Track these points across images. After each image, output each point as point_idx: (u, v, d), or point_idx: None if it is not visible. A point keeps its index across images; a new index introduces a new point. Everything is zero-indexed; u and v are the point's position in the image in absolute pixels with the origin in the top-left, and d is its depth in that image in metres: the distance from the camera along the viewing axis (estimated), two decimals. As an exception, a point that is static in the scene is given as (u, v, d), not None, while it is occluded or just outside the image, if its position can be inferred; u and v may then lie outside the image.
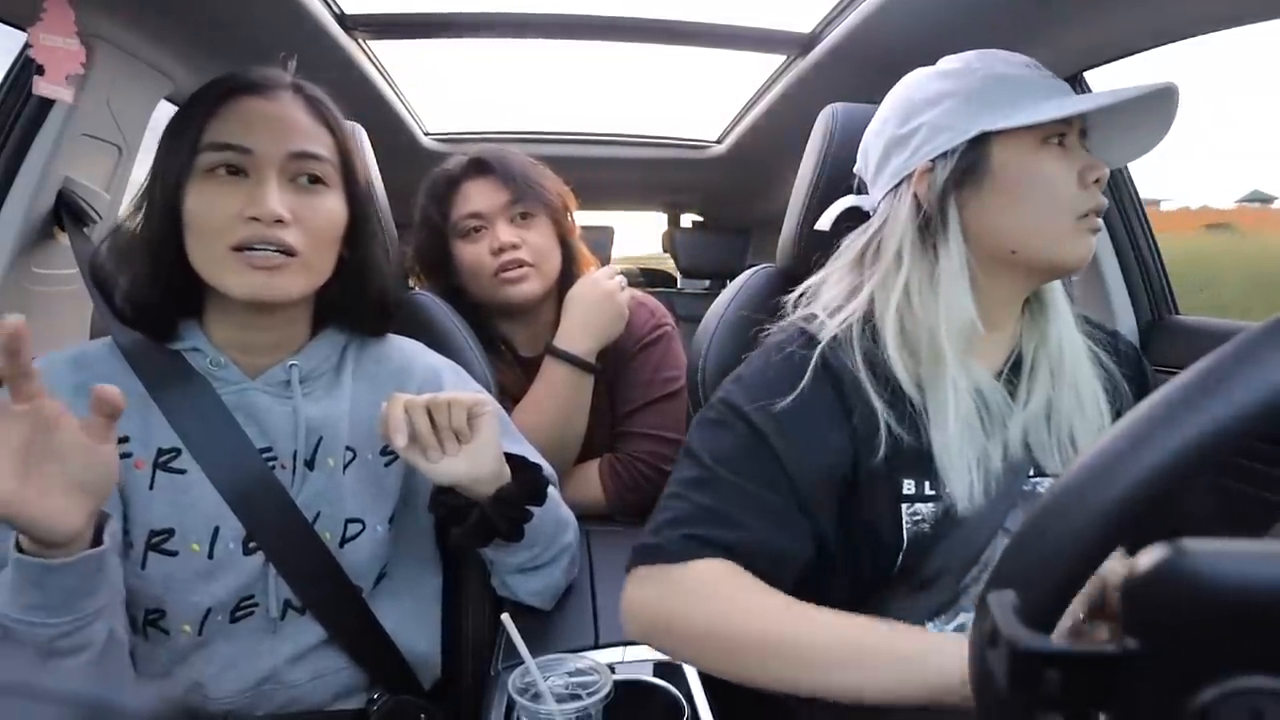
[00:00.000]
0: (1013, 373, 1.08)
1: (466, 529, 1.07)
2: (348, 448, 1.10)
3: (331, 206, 1.05)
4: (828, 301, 1.10)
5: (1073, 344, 1.08)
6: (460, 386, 1.21)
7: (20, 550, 0.81)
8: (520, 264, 1.59)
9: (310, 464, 1.07)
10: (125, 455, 1.00)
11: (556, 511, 1.19)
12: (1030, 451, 1.04)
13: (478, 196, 1.61)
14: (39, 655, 0.83)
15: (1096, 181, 1.01)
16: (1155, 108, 1.00)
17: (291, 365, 1.08)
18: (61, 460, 0.80)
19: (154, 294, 1.02)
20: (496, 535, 1.09)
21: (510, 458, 1.11)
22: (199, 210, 0.98)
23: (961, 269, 1.04)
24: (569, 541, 1.22)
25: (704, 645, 0.91)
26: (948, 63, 1.09)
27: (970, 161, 1.03)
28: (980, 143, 1.03)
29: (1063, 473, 1.02)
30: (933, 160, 1.06)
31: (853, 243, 1.13)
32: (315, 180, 1.04)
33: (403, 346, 1.22)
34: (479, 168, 1.63)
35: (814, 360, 1.01)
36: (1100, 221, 1.03)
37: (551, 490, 1.19)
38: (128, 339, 1.06)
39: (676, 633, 0.92)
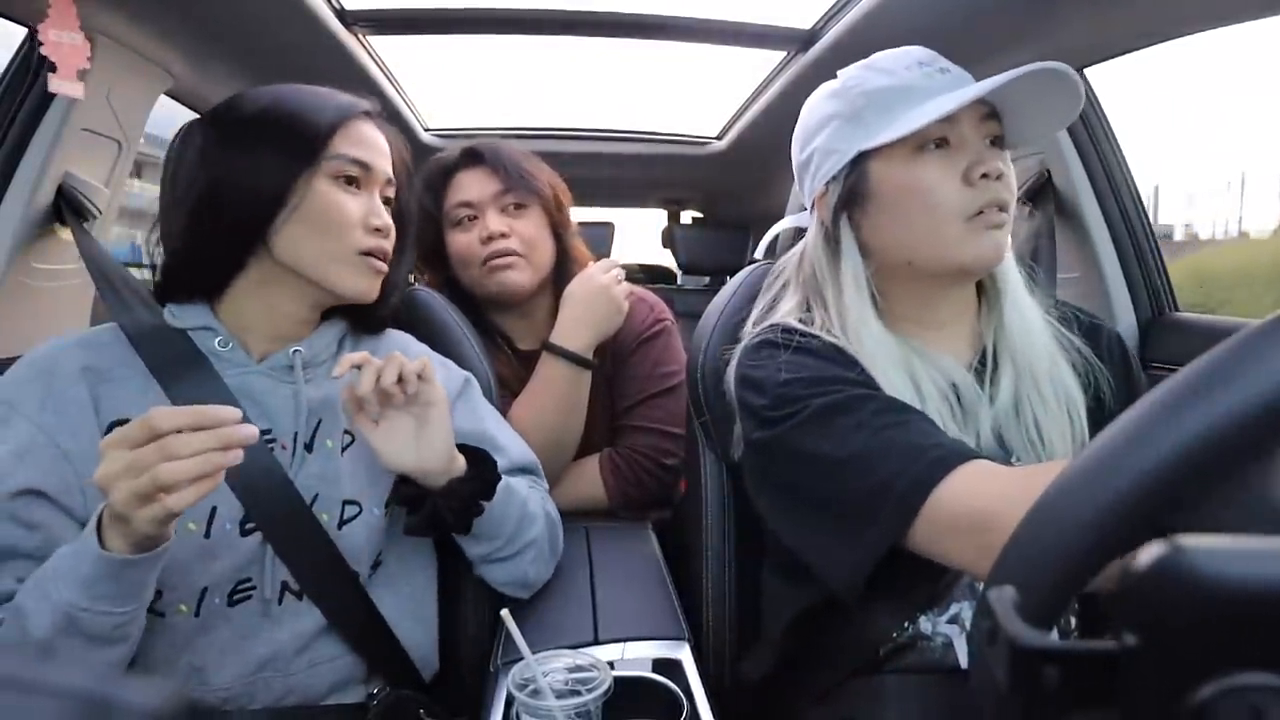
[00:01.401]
0: (979, 371, 1.08)
1: (418, 518, 1.10)
2: (346, 431, 1.13)
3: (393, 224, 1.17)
4: (785, 313, 1.12)
5: (1028, 329, 1.07)
6: (445, 378, 1.22)
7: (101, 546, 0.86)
8: (509, 253, 1.59)
9: (309, 446, 1.10)
10: None
11: (522, 507, 1.20)
12: (1004, 443, 1.04)
13: (469, 185, 1.63)
14: (97, 643, 0.88)
15: (985, 176, 1.00)
16: (1057, 84, 0.98)
17: (295, 351, 1.12)
18: None
19: (216, 263, 1.10)
20: (445, 527, 1.12)
21: (468, 451, 1.14)
22: (325, 208, 1.08)
23: (859, 289, 1.07)
24: (534, 537, 1.21)
25: None
26: (837, 81, 1.11)
27: (853, 182, 1.07)
28: (860, 162, 1.06)
29: (1041, 458, 1.03)
30: (825, 184, 1.10)
31: (784, 264, 1.19)
32: (388, 201, 1.17)
33: (395, 337, 1.28)
34: (472, 157, 1.65)
35: (804, 344, 1.04)
36: (1003, 216, 1.01)
37: (519, 485, 1.21)
38: (133, 322, 1.09)
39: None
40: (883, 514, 0.88)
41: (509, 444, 1.28)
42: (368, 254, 1.10)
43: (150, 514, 0.81)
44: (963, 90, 0.98)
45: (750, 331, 1.13)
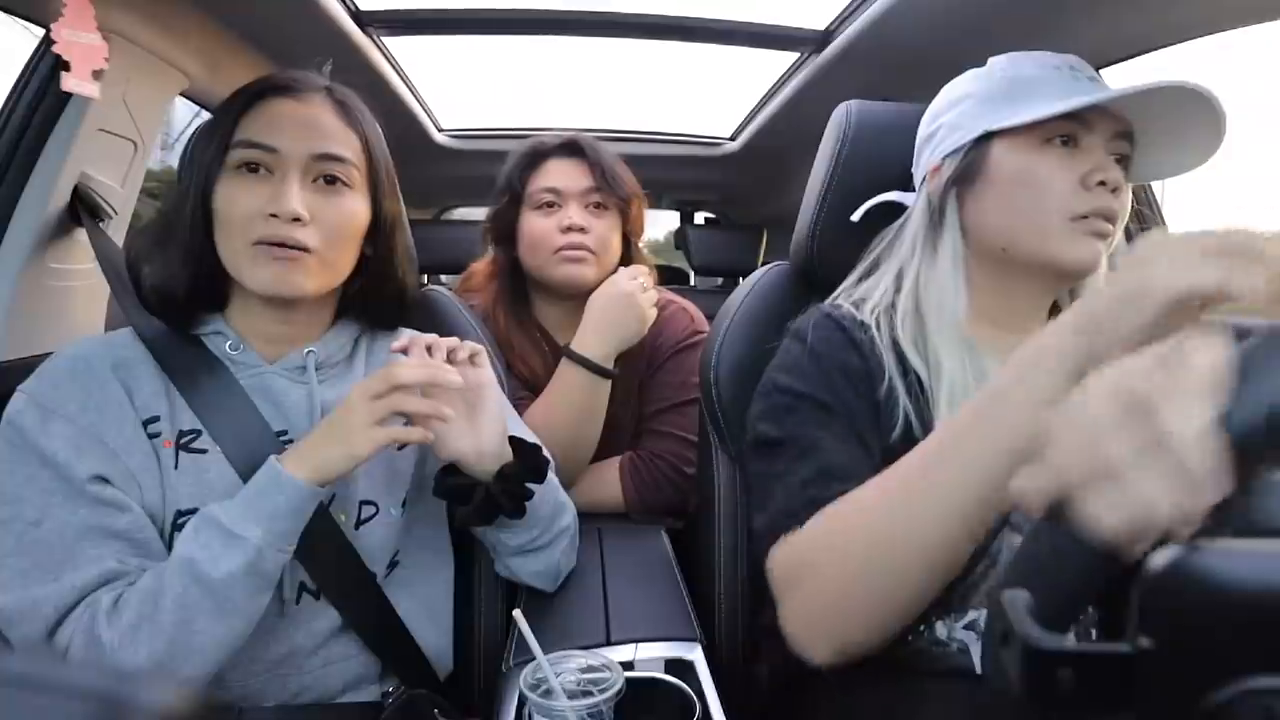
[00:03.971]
0: None
1: (472, 507, 1.10)
2: None
3: (351, 207, 1.08)
4: (862, 290, 1.13)
5: None
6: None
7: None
8: (582, 247, 1.62)
9: None
10: (156, 435, 1.03)
11: (555, 494, 1.22)
12: None
13: (560, 174, 1.66)
14: (265, 586, 0.97)
15: (1102, 184, 0.99)
16: (1201, 117, 0.98)
17: (309, 352, 1.12)
18: None
19: (182, 283, 1.06)
20: (500, 513, 1.12)
21: (510, 438, 1.14)
22: (225, 205, 1.03)
23: (954, 266, 1.07)
24: (567, 524, 1.24)
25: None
26: (985, 67, 1.11)
27: (971, 160, 1.06)
28: (984, 142, 1.05)
29: None
30: (943, 158, 1.09)
31: (884, 236, 1.17)
32: (336, 181, 1.07)
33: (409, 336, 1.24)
34: (569, 148, 1.68)
35: (844, 338, 1.04)
36: (1108, 227, 1.01)
37: (550, 474, 1.20)
38: (149, 327, 1.09)
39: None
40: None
41: (527, 437, 1.26)
42: (262, 243, 1.02)
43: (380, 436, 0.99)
44: (1103, 91, 0.98)
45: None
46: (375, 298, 1.18)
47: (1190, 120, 0.99)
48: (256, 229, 1.02)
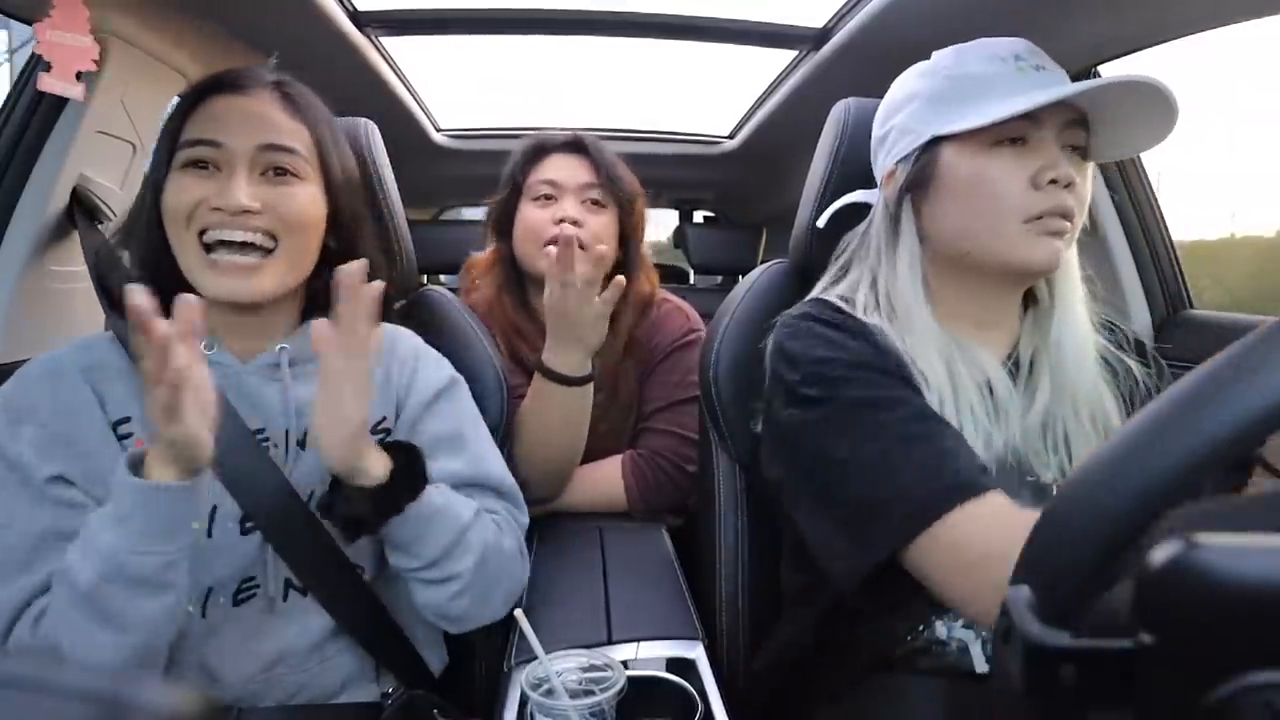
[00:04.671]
0: (1013, 372, 1.08)
1: (334, 511, 1.03)
2: None
3: (304, 198, 1.07)
4: (835, 290, 1.13)
5: (1077, 349, 1.06)
6: (434, 373, 1.21)
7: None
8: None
9: (302, 443, 1.09)
10: (127, 435, 1.03)
11: (457, 534, 1.07)
12: (1026, 454, 1.04)
13: (560, 168, 1.67)
14: (144, 590, 0.90)
15: (1054, 181, 0.99)
16: (1154, 100, 0.97)
17: (281, 348, 1.10)
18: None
19: (144, 285, 1.02)
20: (358, 525, 1.04)
21: (399, 447, 1.06)
22: (172, 201, 1.02)
23: (911, 271, 1.07)
24: (460, 571, 1.07)
25: None
26: (929, 61, 1.10)
27: (923, 165, 1.06)
28: (934, 146, 1.05)
29: (1066, 474, 1.03)
30: (895, 163, 1.09)
31: (849, 239, 1.18)
32: (286, 172, 1.06)
33: (390, 334, 1.22)
34: (572, 145, 1.69)
35: (858, 325, 1.04)
36: (1064, 224, 1.00)
37: (461, 509, 1.09)
38: (123, 327, 1.08)
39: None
40: (887, 527, 0.89)
41: (482, 456, 1.21)
42: (211, 245, 1.01)
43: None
44: (1045, 91, 0.97)
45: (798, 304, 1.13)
46: None
47: (1143, 103, 0.98)
48: (201, 220, 1.00)
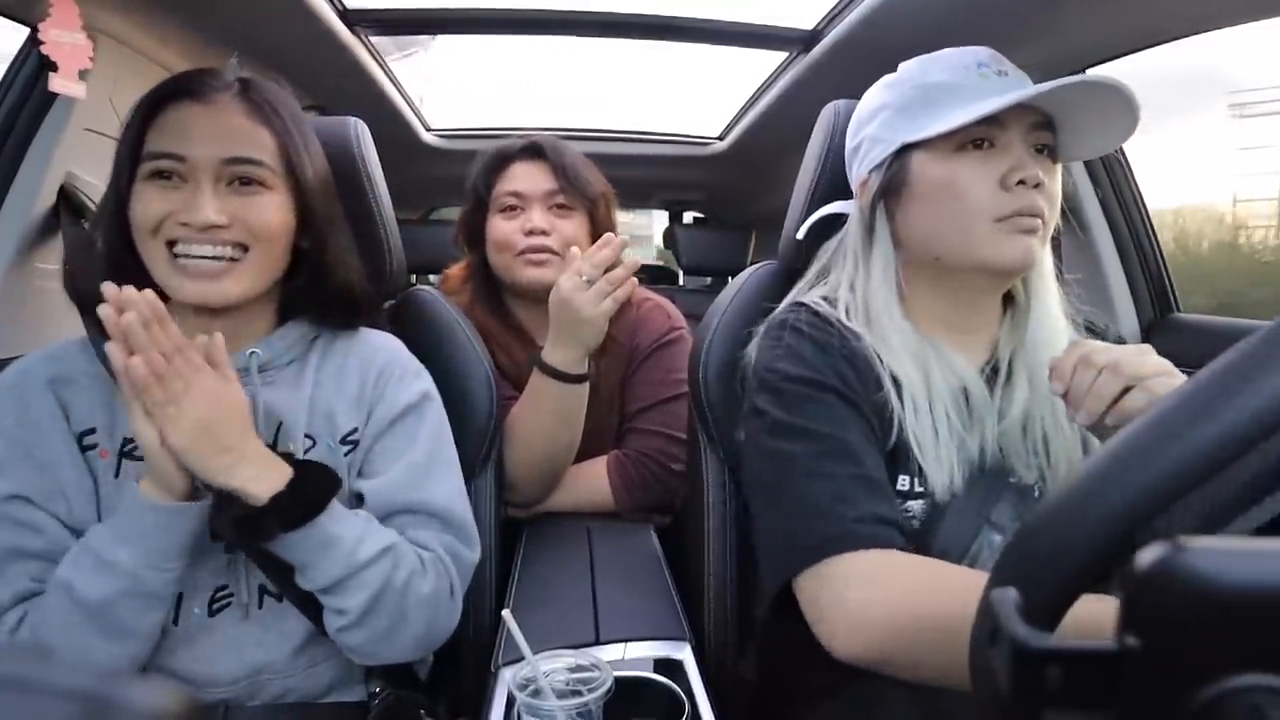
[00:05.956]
0: (990, 377, 1.09)
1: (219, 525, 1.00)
2: (307, 435, 1.10)
3: (273, 208, 1.05)
4: (822, 292, 1.15)
5: (1053, 347, 1.06)
6: (407, 387, 1.17)
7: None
8: (545, 250, 1.62)
9: (273, 448, 1.05)
10: (91, 446, 1.03)
11: (350, 569, 1.01)
12: (1005, 456, 1.06)
13: (523, 177, 1.66)
14: (153, 603, 0.95)
15: (1022, 183, 1.00)
16: (1114, 100, 0.99)
17: (251, 353, 1.08)
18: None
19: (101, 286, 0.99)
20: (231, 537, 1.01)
21: (314, 467, 1.03)
22: (139, 214, 1.01)
23: (885, 277, 1.09)
24: (348, 607, 1.01)
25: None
26: (896, 73, 1.12)
27: (894, 173, 1.08)
28: (904, 154, 1.07)
29: (1046, 475, 1.05)
30: (869, 172, 1.11)
31: (828, 247, 1.20)
32: (253, 182, 1.04)
33: (372, 340, 1.20)
34: (532, 151, 1.68)
35: (838, 332, 1.07)
36: (1035, 223, 1.01)
37: (368, 545, 1.02)
38: (95, 331, 1.06)
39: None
40: (775, 559, 1.00)
41: (435, 483, 1.15)
42: (180, 255, 1.00)
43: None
44: (1006, 95, 0.99)
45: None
46: (318, 294, 1.13)
47: (1104, 104, 1.00)
48: (168, 232, 1.00)
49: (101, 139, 1.55)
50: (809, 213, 1.26)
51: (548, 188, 1.65)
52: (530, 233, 1.62)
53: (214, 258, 1.01)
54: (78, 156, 1.51)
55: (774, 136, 2.64)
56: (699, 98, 2.76)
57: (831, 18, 1.85)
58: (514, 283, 1.65)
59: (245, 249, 1.03)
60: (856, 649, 0.90)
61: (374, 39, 2.05)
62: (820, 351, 1.04)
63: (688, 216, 4.19)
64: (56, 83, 1.34)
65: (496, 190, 1.67)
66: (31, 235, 1.45)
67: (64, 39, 1.33)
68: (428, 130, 2.89)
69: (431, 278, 3.65)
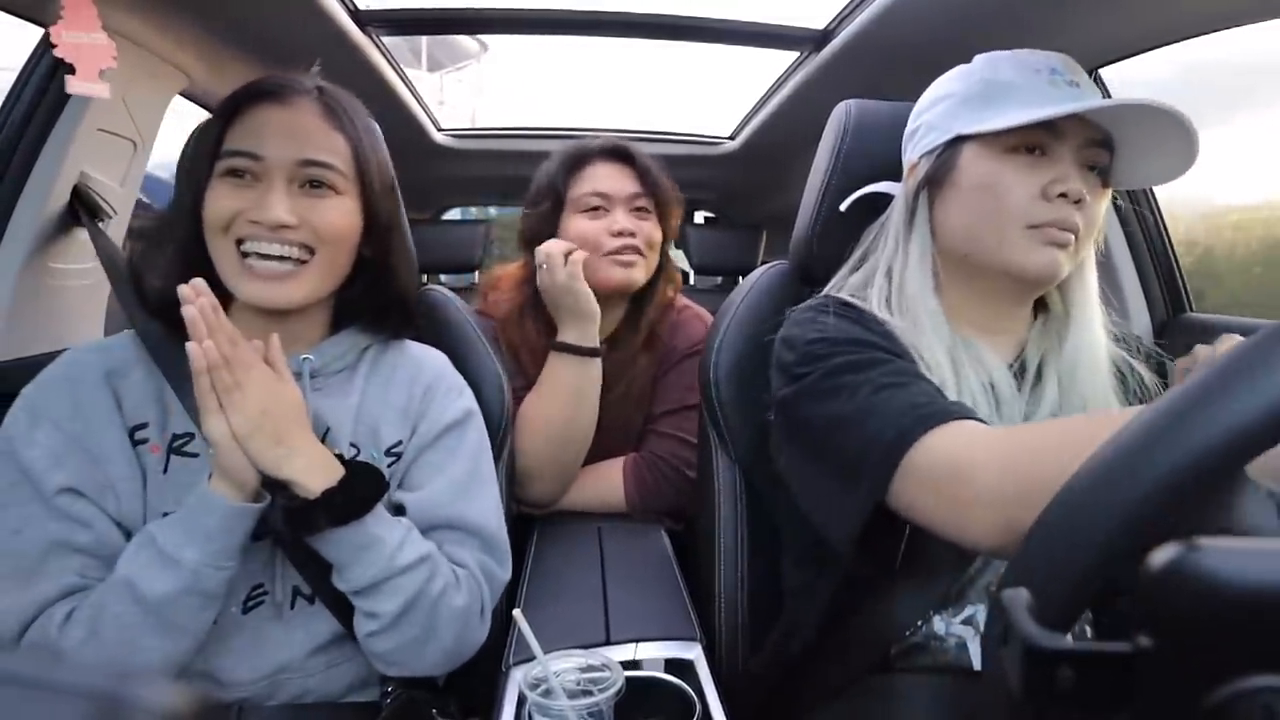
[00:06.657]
0: (1018, 376, 1.08)
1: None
2: (351, 444, 1.11)
3: (341, 212, 1.07)
4: (857, 281, 1.14)
5: (1092, 359, 1.07)
6: (451, 404, 1.19)
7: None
8: (634, 250, 1.64)
9: None
10: (143, 441, 1.04)
11: (388, 573, 1.02)
12: None
13: (607, 178, 1.67)
14: (211, 601, 0.97)
15: (1063, 195, 0.99)
16: (1175, 132, 0.98)
17: (304, 359, 1.10)
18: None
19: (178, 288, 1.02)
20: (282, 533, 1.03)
21: (360, 467, 1.05)
22: (212, 212, 1.02)
23: (921, 264, 1.08)
24: (380, 611, 1.02)
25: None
26: (969, 64, 1.11)
27: (943, 162, 1.07)
28: (957, 145, 1.06)
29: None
30: (920, 157, 1.11)
31: (872, 229, 1.19)
32: (323, 185, 1.06)
33: (420, 355, 1.23)
34: (614, 153, 1.70)
35: (872, 318, 1.05)
36: (1067, 236, 1.00)
37: (407, 552, 1.03)
38: (149, 329, 1.09)
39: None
40: (869, 468, 0.88)
41: (473, 500, 1.16)
42: (248, 254, 1.02)
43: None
44: (1072, 102, 0.98)
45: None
46: (374, 302, 1.16)
47: (1165, 133, 0.98)
48: (238, 230, 1.02)
49: (115, 139, 1.56)
50: (820, 212, 1.26)
51: (632, 190, 1.66)
52: (619, 233, 1.63)
53: (281, 258, 1.03)
54: (91, 156, 1.52)
55: (785, 136, 2.63)
56: (710, 97, 2.76)
57: (843, 17, 1.84)
58: (596, 283, 1.63)
59: (311, 251, 1.05)
60: (993, 513, 0.77)
61: (385, 40, 2.06)
62: (862, 328, 1.02)
63: (699, 216, 4.19)
64: (75, 84, 1.34)
65: (576, 190, 1.67)
66: (45, 235, 1.46)
67: (81, 40, 1.33)
68: (439, 130, 2.89)
69: (443, 277, 3.66)
